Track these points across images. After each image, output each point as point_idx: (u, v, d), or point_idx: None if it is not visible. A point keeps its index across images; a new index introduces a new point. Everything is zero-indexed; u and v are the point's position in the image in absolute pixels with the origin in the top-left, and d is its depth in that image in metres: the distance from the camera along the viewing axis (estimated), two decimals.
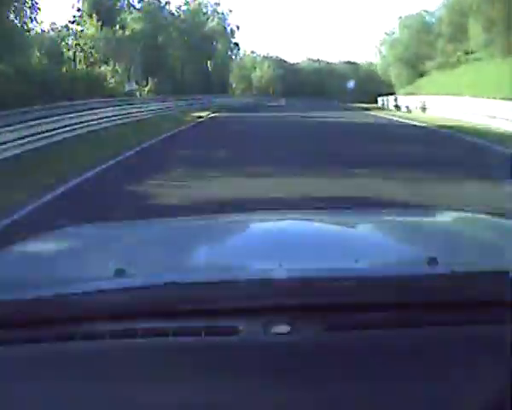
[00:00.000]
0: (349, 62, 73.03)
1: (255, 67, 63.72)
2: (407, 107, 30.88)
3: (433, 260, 1.04)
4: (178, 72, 38.69)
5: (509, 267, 0.93)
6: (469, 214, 1.87)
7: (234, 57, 52.41)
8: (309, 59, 73.03)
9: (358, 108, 36.83)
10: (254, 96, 53.16)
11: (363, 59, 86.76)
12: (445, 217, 1.87)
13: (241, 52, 57.63)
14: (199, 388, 0.80)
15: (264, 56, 66.43)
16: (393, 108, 33.82)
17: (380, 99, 39.57)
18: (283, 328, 0.87)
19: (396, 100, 34.85)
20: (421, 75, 37.99)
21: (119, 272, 1.04)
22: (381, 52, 48.11)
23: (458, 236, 1.56)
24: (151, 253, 1.42)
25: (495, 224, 1.68)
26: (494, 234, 1.54)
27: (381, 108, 36.39)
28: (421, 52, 39.30)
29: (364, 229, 1.67)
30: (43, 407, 0.81)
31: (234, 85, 55.26)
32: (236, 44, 50.02)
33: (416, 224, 1.76)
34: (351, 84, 33.72)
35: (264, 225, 1.74)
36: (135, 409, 0.79)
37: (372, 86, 48.54)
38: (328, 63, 73.32)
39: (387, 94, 37.91)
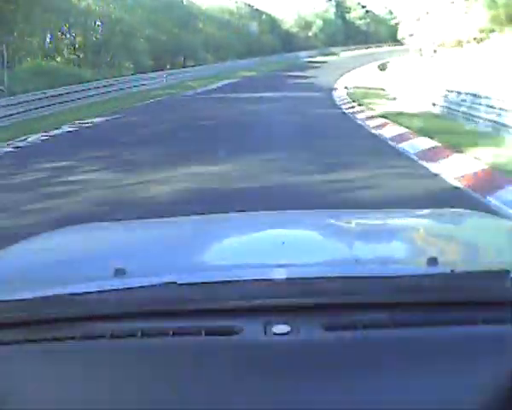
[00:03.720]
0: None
1: None
2: None
3: (433, 260, 1.04)
4: None
5: (509, 267, 0.93)
6: (469, 214, 1.86)
7: None
8: None
9: None
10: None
11: None
12: (445, 217, 1.85)
13: None
14: (199, 388, 0.80)
15: None
16: None
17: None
18: (283, 328, 0.87)
19: None
20: None
21: (119, 272, 1.05)
22: None
23: (458, 236, 1.54)
24: (151, 253, 1.40)
25: (495, 223, 1.69)
26: (494, 234, 1.54)
27: None
28: None
29: (364, 229, 1.65)
30: (43, 407, 0.81)
31: None
32: None
33: (416, 224, 1.73)
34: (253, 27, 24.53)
35: (264, 225, 1.71)
36: (135, 409, 0.79)
37: None
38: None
39: None
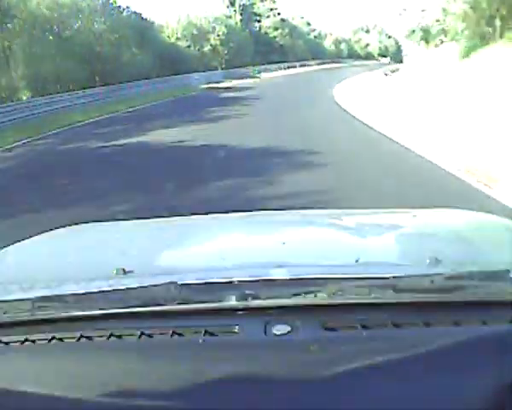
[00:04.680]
0: None
1: None
2: None
3: (433, 260, 1.03)
4: None
5: (509, 267, 0.92)
6: (470, 214, 1.85)
7: None
8: None
9: None
10: None
11: None
12: (446, 217, 1.83)
13: None
14: (199, 388, 0.80)
15: None
16: None
17: None
18: (283, 328, 0.87)
19: None
20: None
21: (119, 272, 1.05)
22: None
23: (458, 236, 1.53)
24: (151, 253, 1.40)
25: (495, 223, 1.65)
26: (494, 233, 1.52)
27: None
28: None
29: (364, 229, 1.63)
30: (43, 407, 0.81)
31: None
32: None
33: (416, 224, 1.72)
34: None
35: (264, 225, 1.71)
36: (135, 409, 0.79)
37: None
38: None
39: None
